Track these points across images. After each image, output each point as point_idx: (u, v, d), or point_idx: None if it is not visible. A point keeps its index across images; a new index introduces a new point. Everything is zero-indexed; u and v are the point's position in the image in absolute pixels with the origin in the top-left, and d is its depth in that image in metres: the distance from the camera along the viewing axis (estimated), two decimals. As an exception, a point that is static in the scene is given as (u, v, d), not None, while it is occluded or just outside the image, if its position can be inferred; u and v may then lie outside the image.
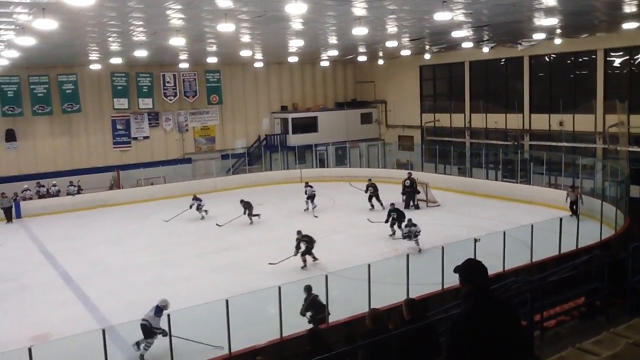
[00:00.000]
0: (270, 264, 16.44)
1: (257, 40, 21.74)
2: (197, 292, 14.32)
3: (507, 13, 16.62)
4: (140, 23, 15.84)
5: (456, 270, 4.16)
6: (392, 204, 19.30)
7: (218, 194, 28.67)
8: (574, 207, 20.32)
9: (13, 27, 14.65)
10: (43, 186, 27.61)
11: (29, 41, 15.97)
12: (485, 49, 27.59)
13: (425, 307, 10.93)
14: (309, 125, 35.15)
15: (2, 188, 25.77)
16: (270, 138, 35.21)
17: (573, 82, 27.17)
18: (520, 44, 26.35)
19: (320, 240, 19.44)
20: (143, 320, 11.13)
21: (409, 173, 25.04)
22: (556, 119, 26.88)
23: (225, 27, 15.22)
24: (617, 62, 25.28)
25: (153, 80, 31.23)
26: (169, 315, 10.61)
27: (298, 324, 11.34)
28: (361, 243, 18.70)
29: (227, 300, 10.26)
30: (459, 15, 16.73)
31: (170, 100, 32.19)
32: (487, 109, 30.01)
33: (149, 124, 31.99)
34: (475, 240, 12.89)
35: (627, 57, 24.68)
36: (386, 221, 19.13)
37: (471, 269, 4.11)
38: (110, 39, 18.94)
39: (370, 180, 24.72)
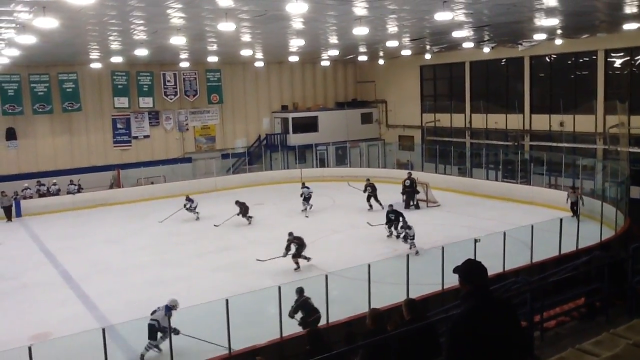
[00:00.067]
0: (257, 260, 16.56)
1: (257, 40, 21.73)
2: (196, 292, 14.32)
3: (507, 13, 16.61)
4: (141, 22, 15.83)
5: (456, 270, 4.15)
6: (391, 205, 19.25)
7: (218, 193, 28.67)
8: (575, 207, 20.31)
9: (14, 25, 14.65)
10: (43, 185, 27.62)
11: (29, 39, 15.96)
12: (486, 49, 27.59)
13: (425, 307, 10.93)
14: (309, 125, 35.14)
15: (2, 187, 25.79)
16: (270, 137, 35.21)
17: (573, 82, 27.16)
18: (521, 44, 26.35)
19: (320, 240, 19.52)
20: (152, 319, 11.09)
21: (409, 173, 25.04)
22: (557, 120, 26.89)
23: (226, 27, 15.21)
24: (618, 62, 25.27)
25: (153, 79, 31.22)
26: (169, 315, 10.62)
27: (299, 325, 11.34)
28: (361, 243, 18.70)
29: (227, 300, 10.26)
30: (459, 15, 16.72)
31: (171, 99, 32.19)
32: (488, 109, 30.01)
33: (150, 123, 31.98)
34: (476, 241, 12.88)
35: (628, 58, 24.68)
36: (385, 223, 19.11)
37: (471, 270, 4.11)
38: (110, 37, 18.94)
39: (368, 180, 24.70)
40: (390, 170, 31.43)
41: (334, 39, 22.64)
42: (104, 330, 9.37)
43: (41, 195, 27.26)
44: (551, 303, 9.33)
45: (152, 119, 32.05)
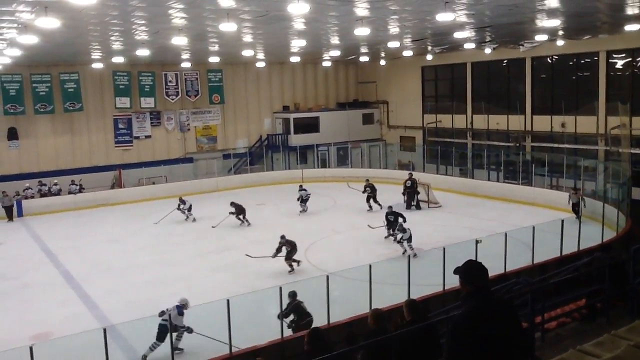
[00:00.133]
0: (247, 255, 16.67)
1: (259, 40, 21.74)
2: (197, 292, 14.29)
3: (509, 14, 16.61)
4: (143, 22, 15.85)
5: (456, 271, 4.15)
6: (390, 207, 19.13)
7: (219, 193, 28.67)
8: (577, 209, 20.29)
9: (15, 25, 14.67)
10: (45, 185, 27.64)
11: (31, 39, 15.97)
12: (488, 50, 27.59)
13: (426, 308, 10.91)
14: (310, 126, 35.15)
15: (3, 186, 25.84)
16: (271, 138, 35.22)
17: (575, 83, 27.15)
18: (523, 45, 26.35)
19: (321, 240, 19.55)
20: (163, 320, 11.03)
21: (410, 173, 25.03)
22: (558, 121, 26.87)
23: (228, 27, 15.22)
24: (620, 64, 25.25)
25: (155, 79, 31.24)
26: (170, 316, 10.62)
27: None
28: (362, 244, 18.69)
29: (227, 300, 10.25)
30: (461, 16, 16.71)
31: (172, 99, 32.21)
32: (489, 110, 30.01)
33: (151, 123, 32.01)
34: (477, 242, 12.86)
35: (630, 59, 24.67)
36: (385, 225, 19.04)
37: (471, 271, 4.11)
38: (112, 37, 18.96)
39: (367, 180, 24.69)
40: (391, 171, 31.42)
41: (335, 40, 22.65)
42: (105, 330, 9.36)
43: (42, 195, 27.29)
44: (552, 304, 9.33)
45: (154, 119, 32.08)
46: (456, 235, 18.24)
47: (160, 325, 10.99)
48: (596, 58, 25.52)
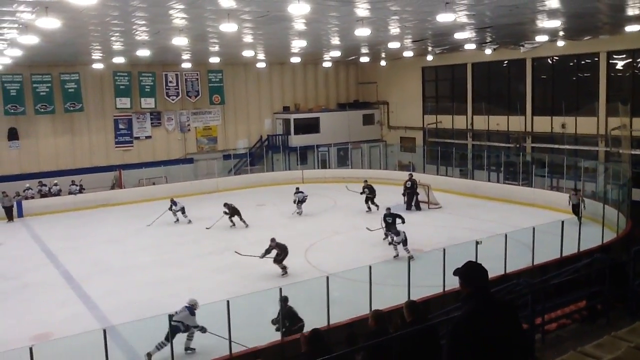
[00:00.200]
0: (236, 252, 16.75)
1: (259, 41, 21.74)
2: (197, 293, 14.27)
3: (509, 15, 16.60)
4: (143, 22, 15.85)
5: (456, 272, 4.15)
6: (388, 209, 18.96)
7: (220, 194, 28.66)
8: (577, 210, 20.27)
9: (16, 25, 14.67)
10: (45, 185, 27.64)
11: (31, 40, 15.96)
12: (488, 51, 27.59)
13: (426, 309, 10.91)
14: (311, 126, 35.14)
15: (4, 187, 25.83)
16: (272, 138, 35.22)
17: (575, 84, 27.15)
18: (523, 46, 26.35)
19: (321, 241, 19.54)
20: (175, 321, 11.02)
21: (410, 174, 25.02)
22: (558, 122, 26.87)
23: (228, 27, 15.21)
24: (620, 64, 25.25)
25: (155, 79, 31.24)
26: (170, 316, 10.61)
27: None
28: (362, 245, 18.66)
29: (228, 301, 10.26)
30: (461, 17, 16.71)
31: (173, 100, 32.21)
32: (490, 110, 30.02)
33: (151, 123, 32.01)
34: (477, 243, 12.86)
35: (630, 60, 24.67)
36: (383, 227, 18.96)
37: (471, 272, 4.11)
38: (112, 38, 18.96)
39: (366, 181, 24.66)
40: (391, 171, 31.41)
41: (335, 40, 22.65)
42: (104, 330, 9.36)
43: (43, 196, 27.29)
44: (552, 305, 9.32)
45: (154, 120, 32.08)
46: (456, 236, 18.24)
47: (171, 326, 10.98)
48: (597, 59, 25.52)
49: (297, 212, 23.38)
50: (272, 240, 16.04)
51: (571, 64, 27.10)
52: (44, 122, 29.05)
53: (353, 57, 32.17)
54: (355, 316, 11.54)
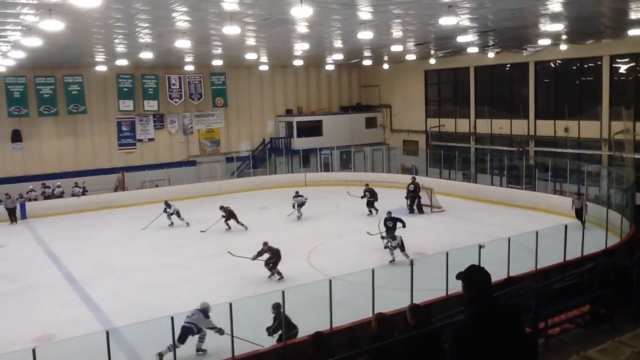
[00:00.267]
0: (229, 252, 16.78)
1: (262, 43, 21.77)
2: (200, 295, 14.28)
3: (512, 18, 16.60)
4: (146, 25, 15.88)
5: (459, 276, 4.13)
6: (389, 213, 18.81)
7: (222, 196, 28.67)
8: (580, 214, 20.22)
9: (20, 27, 14.71)
10: (48, 187, 27.69)
11: (35, 42, 16.00)
12: (491, 54, 27.57)
13: (429, 313, 10.89)
14: (313, 129, 35.15)
15: (7, 189, 25.87)
16: (274, 141, 35.25)
17: (578, 88, 27.11)
18: (526, 50, 26.31)
19: (324, 244, 19.52)
20: (189, 323, 11.12)
21: (413, 177, 24.99)
22: (561, 125, 26.82)
23: (231, 30, 15.23)
24: (623, 68, 25.22)
25: (158, 82, 31.31)
26: (172, 319, 10.60)
27: (301, 328, 11.31)
28: (365, 248, 18.63)
29: (230, 304, 10.26)
30: (464, 20, 16.71)
31: (176, 102, 32.27)
32: (492, 114, 29.99)
33: (154, 126, 32.08)
34: (480, 247, 12.83)
35: (633, 64, 24.62)
36: (384, 231, 18.89)
37: (474, 276, 4.09)
38: (116, 40, 19.01)
39: (367, 185, 24.63)
40: (394, 175, 31.37)
41: (338, 43, 22.67)
42: (107, 332, 9.37)
43: (46, 198, 27.33)
44: (555, 310, 9.29)
45: (157, 122, 32.14)
46: (459, 240, 18.22)
47: (183, 327, 11.06)
48: (600, 62, 25.48)
49: (297, 216, 23.26)
50: (265, 243, 16.00)
51: (574, 67, 27.08)
52: (47, 124, 29.13)
53: (356, 60, 32.18)
54: (357, 319, 11.52)
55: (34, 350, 8.45)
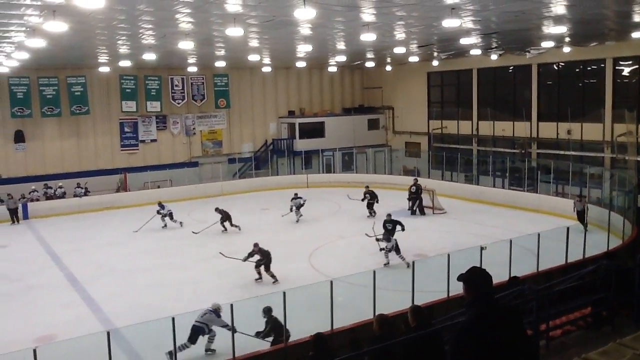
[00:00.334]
0: (220, 253, 16.83)
1: (265, 45, 21.79)
2: (201, 296, 14.33)
3: (515, 21, 16.59)
4: (150, 26, 15.91)
5: (460, 278, 4.13)
6: (389, 215, 18.72)
7: (224, 197, 28.71)
8: (582, 216, 20.20)
9: (24, 28, 14.75)
10: (50, 187, 27.72)
11: (39, 43, 16.05)
12: (494, 57, 27.57)
13: (430, 314, 10.87)
14: (316, 131, 35.17)
15: (9, 189, 25.91)
16: (277, 143, 35.26)
17: (581, 90, 27.08)
18: (529, 52, 26.30)
19: (325, 245, 19.51)
20: (201, 323, 11.18)
21: (415, 179, 25.00)
22: (564, 128, 26.80)
23: (234, 32, 15.26)
24: (626, 71, 25.19)
25: (161, 83, 31.35)
26: (173, 319, 10.60)
27: (302, 330, 11.29)
28: (366, 249, 18.59)
29: (231, 305, 10.26)
30: (467, 23, 16.71)
31: (178, 103, 32.31)
32: (495, 116, 29.97)
33: (157, 127, 32.12)
34: (482, 248, 12.82)
35: (637, 66, 24.60)
36: (383, 234, 18.85)
37: (475, 277, 4.09)
38: (119, 41, 19.05)
39: (367, 187, 24.60)
40: (396, 176, 31.37)
41: (341, 45, 22.67)
42: (108, 333, 9.37)
43: (48, 198, 27.37)
44: (557, 312, 9.27)
45: (160, 123, 32.18)
46: (461, 241, 18.20)
47: (194, 326, 11.12)
48: (603, 65, 25.46)
49: (296, 219, 23.12)
50: (255, 245, 15.97)
51: (577, 70, 27.05)
52: (50, 125, 29.19)
53: (358, 62, 32.21)
54: (358, 321, 11.51)
55: (34, 351, 8.45)
